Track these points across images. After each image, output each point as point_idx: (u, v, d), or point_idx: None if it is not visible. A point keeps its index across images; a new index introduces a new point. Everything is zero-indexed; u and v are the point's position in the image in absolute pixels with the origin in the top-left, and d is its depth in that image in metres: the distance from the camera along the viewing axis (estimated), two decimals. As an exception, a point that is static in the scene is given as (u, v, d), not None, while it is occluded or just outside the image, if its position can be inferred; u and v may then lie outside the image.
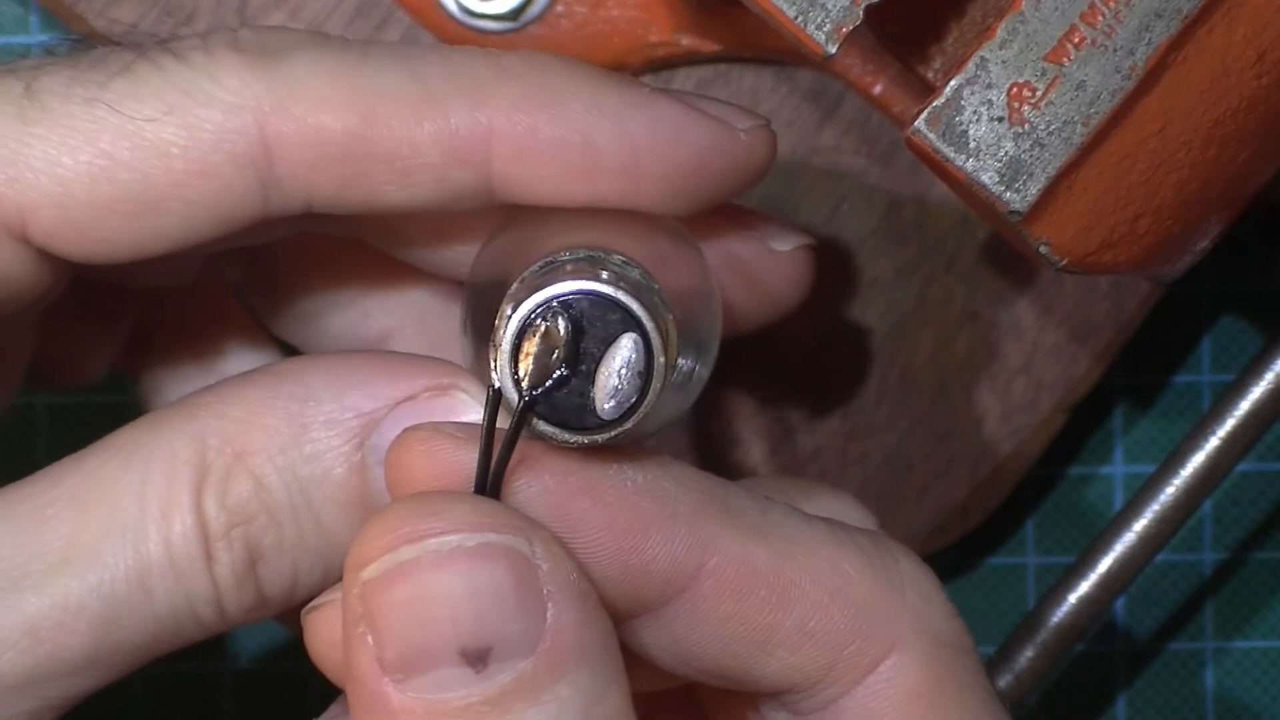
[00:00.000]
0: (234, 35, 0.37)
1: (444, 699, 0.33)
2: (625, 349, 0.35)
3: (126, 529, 0.36)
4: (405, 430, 0.35)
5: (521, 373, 0.35)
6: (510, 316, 0.35)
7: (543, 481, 0.35)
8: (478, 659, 0.33)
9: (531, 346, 0.35)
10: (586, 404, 0.35)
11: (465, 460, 0.35)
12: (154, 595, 0.36)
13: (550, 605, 0.34)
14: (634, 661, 0.36)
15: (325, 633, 0.36)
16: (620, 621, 0.36)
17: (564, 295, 0.35)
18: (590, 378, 0.35)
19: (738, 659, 0.37)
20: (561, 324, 0.35)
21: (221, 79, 0.37)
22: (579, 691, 0.34)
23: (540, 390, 0.35)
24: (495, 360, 0.35)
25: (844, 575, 0.37)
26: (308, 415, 0.36)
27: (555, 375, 0.35)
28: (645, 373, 0.35)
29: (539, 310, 0.35)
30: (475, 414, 0.37)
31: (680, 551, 0.36)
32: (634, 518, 0.36)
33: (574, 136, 0.37)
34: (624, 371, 0.35)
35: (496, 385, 0.35)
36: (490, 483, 0.35)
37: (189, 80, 0.37)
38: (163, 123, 0.36)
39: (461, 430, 0.35)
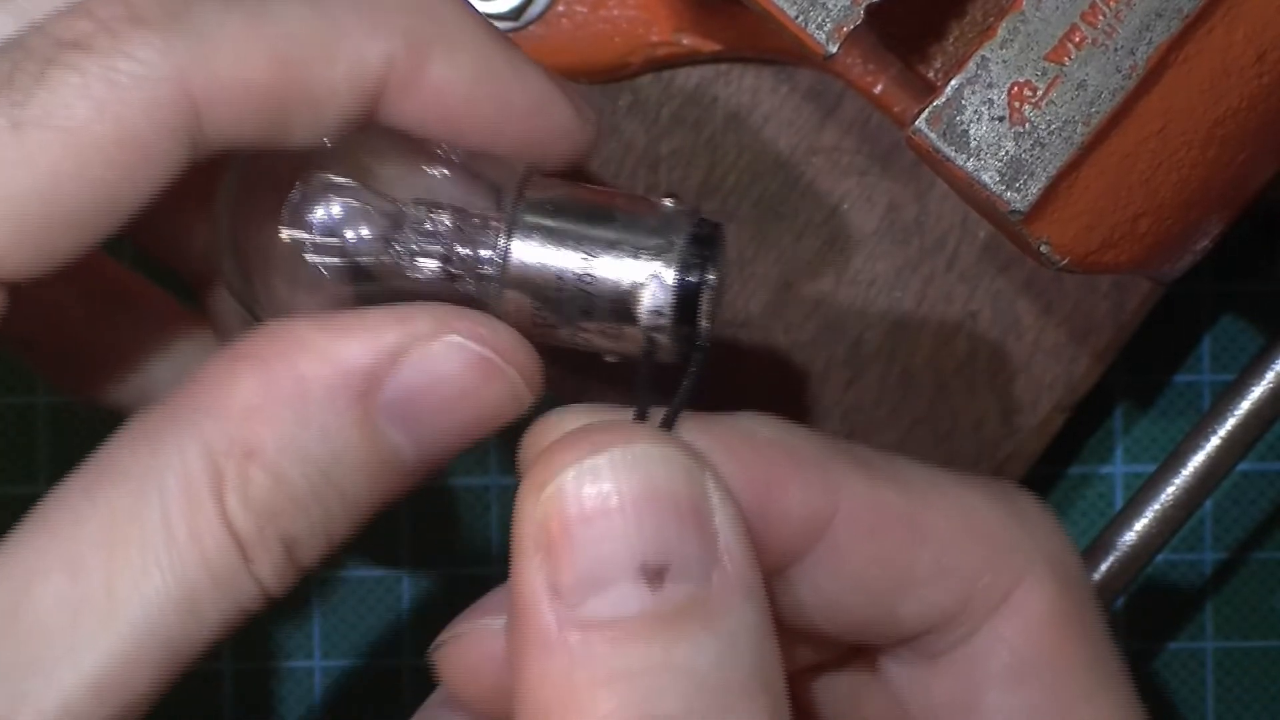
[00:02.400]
0: (130, 7, 0.36)
1: (622, 615, 0.33)
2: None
3: (162, 564, 0.35)
4: (539, 422, 0.36)
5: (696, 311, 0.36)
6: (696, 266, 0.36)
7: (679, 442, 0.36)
8: (655, 575, 0.34)
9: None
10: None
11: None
12: (204, 615, 0.35)
13: (721, 535, 0.34)
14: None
15: (460, 663, 0.36)
16: (765, 576, 0.36)
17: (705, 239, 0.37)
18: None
19: (879, 604, 0.38)
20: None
21: (137, 57, 0.36)
22: (748, 628, 0.34)
23: (705, 327, 0.36)
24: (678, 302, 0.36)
25: (973, 510, 0.38)
26: (306, 393, 0.36)
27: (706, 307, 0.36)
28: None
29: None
30: (468, 355, 0.36)
31: (815, 497, 0.36)
32: (768, 469, 0.36)
33: (461, 87, 0.38)
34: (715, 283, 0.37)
35: (701, 338, 0.36)
36: (662, 419, 0.36)
37: (106, 70, 0.36)
38: (97, 122, 0.36)
39: (599, 410, 0.36)
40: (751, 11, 0.40)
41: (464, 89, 0.38)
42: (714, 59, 0.49)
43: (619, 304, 0.37)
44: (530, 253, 0.37)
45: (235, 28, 0.36)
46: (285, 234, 0.37)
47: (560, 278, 0.36)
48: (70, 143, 0.35)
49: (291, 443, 0.36)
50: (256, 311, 0.38)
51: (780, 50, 0.48)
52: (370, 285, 0.37)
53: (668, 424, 0.36)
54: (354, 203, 0.37)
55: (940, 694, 0.39)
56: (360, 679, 0.55)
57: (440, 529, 0.54)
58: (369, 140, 0.37)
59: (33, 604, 0.35)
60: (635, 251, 0.37)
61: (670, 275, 0.36)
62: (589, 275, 0.36)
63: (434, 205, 0.37)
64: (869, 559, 0.37)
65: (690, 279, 0.36)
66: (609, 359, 0.38)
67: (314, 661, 0.54)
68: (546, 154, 0.39)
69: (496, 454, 0.55)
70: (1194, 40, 0.39)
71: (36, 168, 0.35)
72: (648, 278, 0.36)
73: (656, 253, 0.37)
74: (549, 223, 0.37)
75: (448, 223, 0.37)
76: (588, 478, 0.34)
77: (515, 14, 0.48)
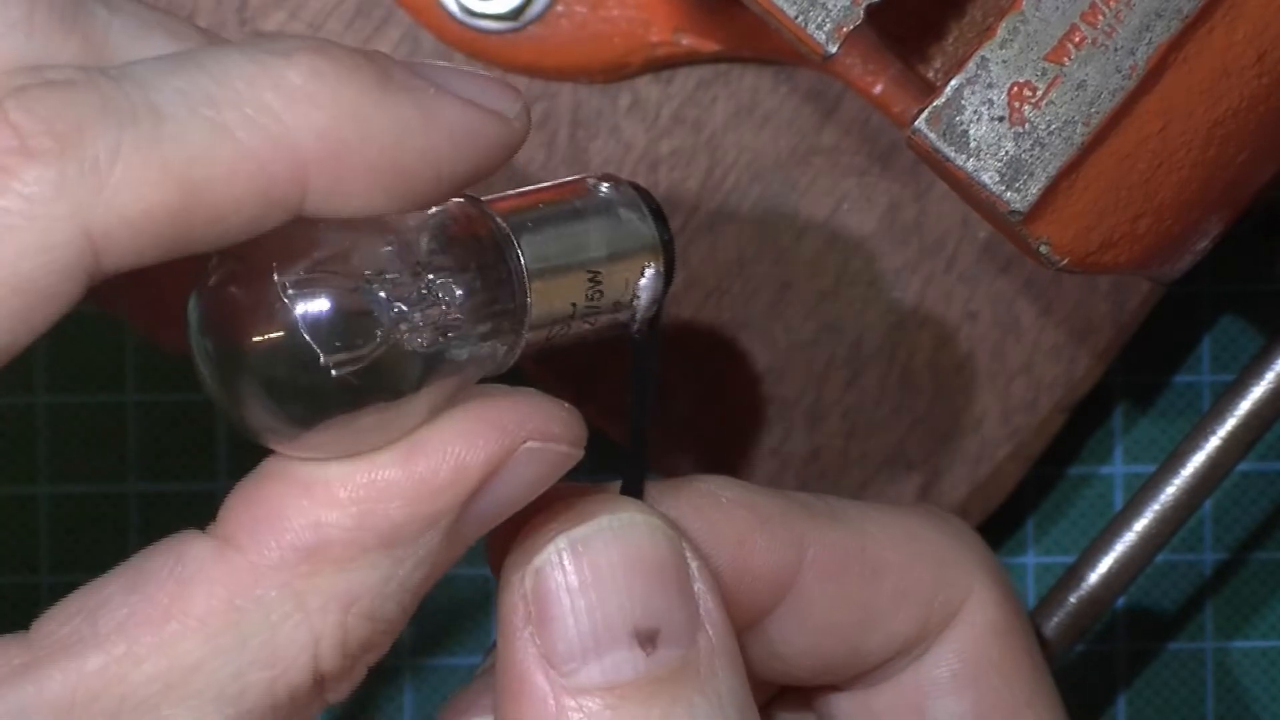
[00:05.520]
0: (16, 134, 0.34)
1: (619, 680, 0.34)
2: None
3: (227, 714, 0.34)
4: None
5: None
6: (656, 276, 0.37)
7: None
8: (648, 639, 0.34)
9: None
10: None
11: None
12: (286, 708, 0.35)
13: (701, 599, 0.35)
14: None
15: None
16: (739, 632, 0.37)
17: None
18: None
19: (846, 642, 0.39)
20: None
21: (29, 195, 0.33)
22: (732, 689, 0.35)
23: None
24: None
25: (917, 535, 0.39)
26: (399, 536, 0.35)
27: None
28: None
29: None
30: (546, 457, 0.36)
31: (781, 552, 0.38)
32: (736, 530, 0.37)
33: (384, 164, 0.36)
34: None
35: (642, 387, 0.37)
36: (638, 490, 0.37)
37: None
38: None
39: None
40: (751, 11, 0.40)
41: (390, 165, 0.36)
42: (714, 59, 0.49)
43: (619, 305, 0.37)
44: (545, 294, 0.37)
45: (130, 156, 0.34)
46: (300, 340, 0.35)
47: (574, 304, 0.37)
48: None
49: (388, 584, 0.35)
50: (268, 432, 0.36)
51: (780, 50, 0.48)
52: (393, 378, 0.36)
53: (634, 489, 0.36)
54: (351, 294, 0.35)
55: (884, 708, 0.40)
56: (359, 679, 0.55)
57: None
58: (312, 237, 0.36)
59: None
60: (627, 253, 0.37)
61: (660, 262, 0.38)
62: (599, 292, 0.37)
63: (428, 270, 0.36)
64: (834, 602, 0.38)
65: (673, 259, 0.38)
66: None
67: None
68: (486, 169, 0.38)
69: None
70: (1194, 40, 0.39)
71: None
72: (647, 275, 0.37)
73: (639, 243, 0.37)
74: (549, 258, 0.37)
75: (454, 289, 0.36)
76: (577, 547, 0.34)
77: (514, 14, 0.48)
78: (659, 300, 0.37)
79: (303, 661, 0.35)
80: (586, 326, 0.37)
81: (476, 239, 0.36)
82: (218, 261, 0.36)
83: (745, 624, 0.37)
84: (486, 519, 0.36)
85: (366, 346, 0.35)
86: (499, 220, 0.37)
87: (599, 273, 0.37)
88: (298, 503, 0.35)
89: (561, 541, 0.35)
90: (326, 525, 0.35)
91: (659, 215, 0.38)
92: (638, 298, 0.37)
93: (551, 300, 0.37)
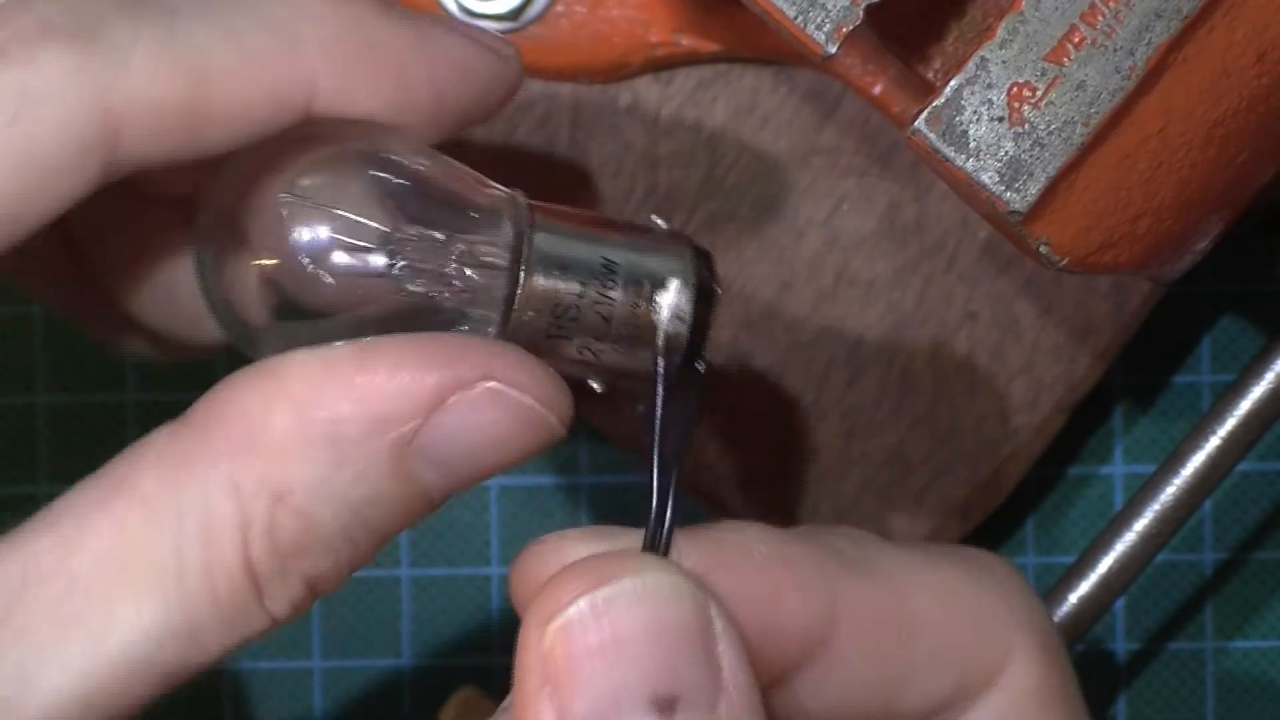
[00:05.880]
0: (43, 17, 0.36)
1: None
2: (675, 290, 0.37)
3: (169, 597, 0.35)
4: (536, 548, 0.36)
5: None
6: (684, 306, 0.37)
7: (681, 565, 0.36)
8: (667, 706, 0.34)
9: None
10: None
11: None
12: (206, 645, 0.35)
13: (725, 662, 0.34)
14: None
15: None
16: (767, 689, 0.36)
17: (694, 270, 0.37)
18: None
19: (879, 699, 0.37)
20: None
21: (51, 72, 0.35)
22: None
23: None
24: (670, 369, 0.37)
25: (957, 590, 0.38)
26: (341, 436, 0.35)
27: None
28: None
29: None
30: (510, 403, 0.36)
31: (815, 609, 0.36)
32: (768, 586, 0.36)
33: (387, 76, 0.37)
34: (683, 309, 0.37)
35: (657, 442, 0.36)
36: (663, 545, 0.36)
37: (22, 82, 0.35)
38: (8, 132, 0.35)
39: (586, 536, 0.36)
40: (751, 11, 0.40)
41: (393, 84, 0.37)
42: (714, 59, 0.49)
43: (637, 315, 0.36)
44: (550, 261, 0.36)
45: (148, 45, 0.35)
46: (296, 237, 0.36)
47: (583, 284, 0.36)
48: None
49: (324, 486, 0.35)
50: (251, 340, 0.37)
51: (780, 50, 0.48)
52: (373, 308, 0.36)
53: (658, 543, 0.36)
54: (352, 216, 0.36)
55: None
56: (360, 679, 0.55)
57: (440, 530, 0.54)
58: (348, 161, 0.37)
59: (25, 608, 0.34)
60: (653, 258, 0.37)
61: (690, 278, 0.37)
62: (612, 281, 0.36)
63: (434, 222, 0.37)
64: (868, 660, 0.37)
65: (707, 283, 0.36)
66: (597, 387, 0.37)
67: (313, 662, 0.54)
68: (488, 107, 0.39)
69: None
70: (1194, 41, 0.39)
71: None
72: (670, 281, 0.36)
73: (670, 259, 0.37)
74: (563, 233, 0.37)
75: (457, 242, 0.36)
76: (598, 609, 0.34)
77: (514, 14, 0.48)
78: (690, 323, 0.36)
79: (233, 543, 0.35)
80: (599, 346, 0.37)
81: (486, 198, 0.37)
82: (227, 163, 0.37)
83: (773, 681, 0.36)
84: (441, 460, 0.36)
85: (353, 261, 0.36)
86: (520, 195, 0.37)
87: (614, 263, 0.36)
88: (250, 388, 0.36)
89: (584, 603, 0.34)
90: (272, 412, 0.35)
91: (704, 255, 0.37)
92: (657, 306, 0.37)
93: (554, 271, 0.36)
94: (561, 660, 0.34)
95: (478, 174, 0.38)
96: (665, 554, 0.36)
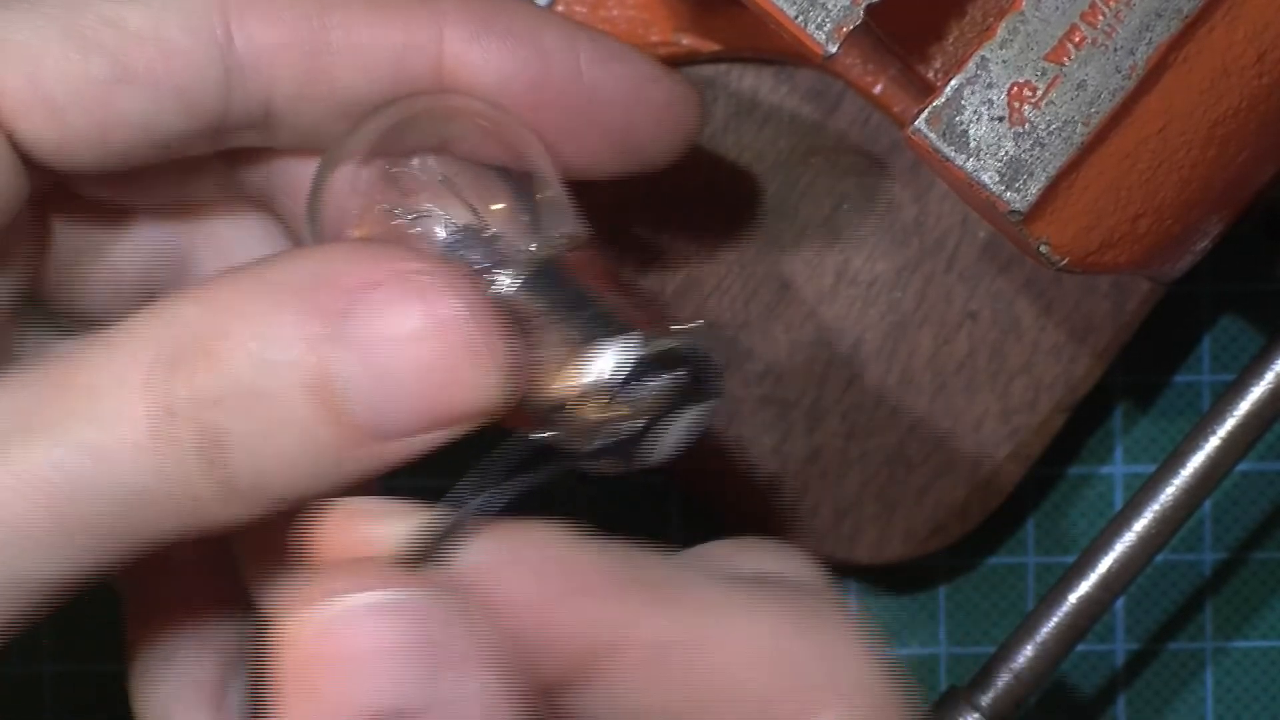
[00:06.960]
0: None
1: None
2: (696, 413, 0.36)
3: (92, 410, 0.35)
4: (335, 507, 0.35)
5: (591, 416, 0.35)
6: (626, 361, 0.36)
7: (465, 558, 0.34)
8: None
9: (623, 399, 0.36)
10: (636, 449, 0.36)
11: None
12: (118, 473, 0.35)
13: (466, 674, 0.33)
14: None
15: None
16: (535, 704, 0.34)
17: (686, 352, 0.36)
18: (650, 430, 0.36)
19: None
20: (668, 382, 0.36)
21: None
22: None
23: (605, 444, 0.36)
24: (575, 402, 0.36)
25: (763, 637, 0.36)
26: (281, 303, 0.36)
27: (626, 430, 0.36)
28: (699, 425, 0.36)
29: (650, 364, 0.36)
30: (443, 298, 0.36)
31: (591, 628, 0.35)
32: (543, 596, 0.35)
33: (523, 48, 0.39)
34: (689, 429, 0.36)
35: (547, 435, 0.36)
36: (440, 542, 0.34)
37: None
38: (130, 7, 0.37)
39: (380, 505, 0.35)
40: (751, 11, 0.40)
41: (527, 51, 0.39)
42: (714, 59, 0.49)
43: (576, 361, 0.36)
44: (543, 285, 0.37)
45: None
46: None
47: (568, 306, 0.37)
48: (104, 17, 0.37)
49: (254, 340, 0.36)
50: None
51: (780, 50, 0.48)
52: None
53: (438, 539, 0.34)
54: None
55: None
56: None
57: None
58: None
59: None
60: (617, 320, 0.36)
61: (642, 352, 0.36)
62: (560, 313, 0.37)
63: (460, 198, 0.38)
64: (649, 690, 0.35)
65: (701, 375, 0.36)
66: (547, 438, 0.37)
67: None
68: (644, 144, 0.40)
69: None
70: (1194, 40, 0.39)
71: (71, 29, 0.37)
72: (616, 344, 0.36)
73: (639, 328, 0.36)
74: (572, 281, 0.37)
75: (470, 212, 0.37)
76: (338, 616, 0.33)
77: (515, 14, 0.48)
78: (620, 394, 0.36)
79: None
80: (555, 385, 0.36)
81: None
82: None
83: (540, 698, 0.34)
84: (368, 390, 0.35)
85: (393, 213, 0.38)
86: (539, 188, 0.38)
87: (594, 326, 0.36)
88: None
89: (335, 605, 0.33)
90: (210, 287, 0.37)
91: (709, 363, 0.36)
92: (588, 362, 0.36)
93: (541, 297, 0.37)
94: (297, 659, 0.33)
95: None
96: (438, 549, 0.34)
